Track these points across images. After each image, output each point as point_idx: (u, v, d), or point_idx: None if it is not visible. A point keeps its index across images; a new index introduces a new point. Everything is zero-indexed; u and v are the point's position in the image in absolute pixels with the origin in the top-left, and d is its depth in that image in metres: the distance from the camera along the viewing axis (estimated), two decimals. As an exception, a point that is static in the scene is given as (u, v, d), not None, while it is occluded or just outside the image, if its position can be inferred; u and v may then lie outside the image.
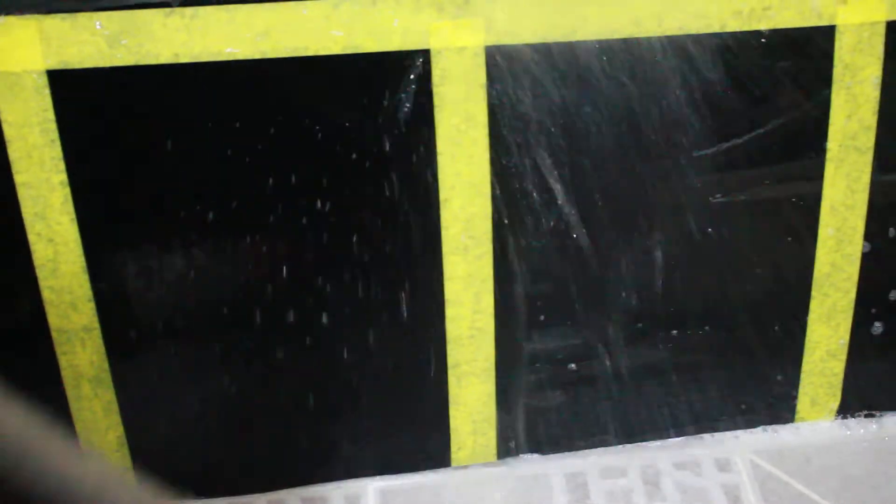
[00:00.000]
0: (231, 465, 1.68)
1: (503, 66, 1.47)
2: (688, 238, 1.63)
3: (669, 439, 1.77)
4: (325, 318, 1.60)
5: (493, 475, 1.72)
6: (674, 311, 1.69)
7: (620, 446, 1.76)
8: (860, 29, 1.52)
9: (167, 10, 1.37)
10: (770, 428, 1.79)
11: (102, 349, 1.55)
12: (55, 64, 1.37)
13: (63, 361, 1.54)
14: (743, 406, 1.77)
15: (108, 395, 1.58)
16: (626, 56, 1.50)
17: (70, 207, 1.45)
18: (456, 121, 1.49)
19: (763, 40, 1.51)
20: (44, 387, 1.55)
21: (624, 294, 1.66)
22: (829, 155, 1.60)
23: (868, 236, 1.66)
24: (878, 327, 1.74)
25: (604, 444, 1.76)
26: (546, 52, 1.48)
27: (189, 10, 1.38)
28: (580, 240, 1.60)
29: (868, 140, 1.59)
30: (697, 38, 1.50)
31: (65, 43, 1.36)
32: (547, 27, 1.46)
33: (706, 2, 1.48)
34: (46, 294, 1.50)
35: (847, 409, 1.80)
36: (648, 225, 1.62)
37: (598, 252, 1.62)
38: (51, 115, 1.40)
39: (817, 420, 1.80)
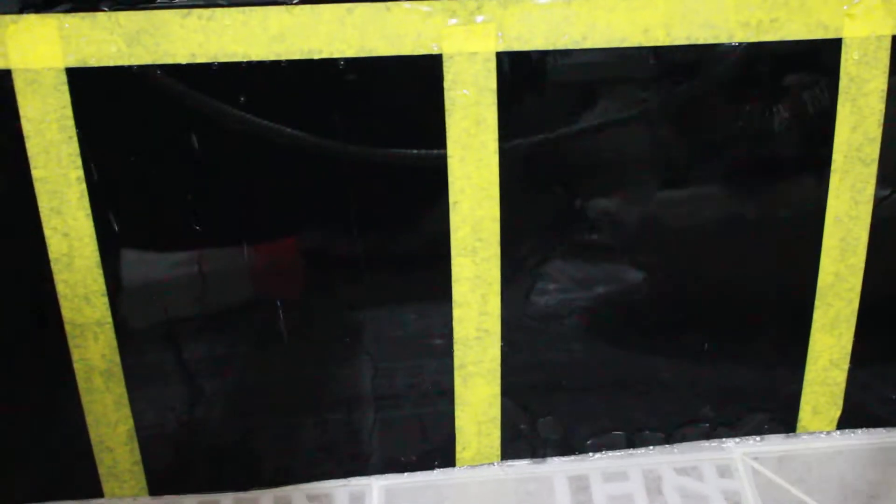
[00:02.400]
0: (238, 460, 1.70)
1: (514, 71, 1.49)
2: (695, 245, 1.65)
3: (671, 444, 1.78)
4: (334, 318, 1.62)
5: (498, 476, 1.74)
6: (678, 318, 1.71)
7: (623, 451, 1.77)
8: (866, 42, 1.53)
9: (185, 10, 1.40)
10: (772, 436, 1.80)
11: (114, 343, 1.57)
12: (74, 62, 1.40)
13: (75, 355, 1.57)
14: (745, 413, 1.78)
15: (119, 388, 1.60)
16: (632, 63, 1.52)
17: (86, 203, 1.48)
18: (466, 124, 1.51)
19: (771, 51, 1.53)
20: (56, 379, 1.58)
21: (631, 297, 1.69)
22: (833, 166, 1.61)
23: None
24: (880, 337, 1.75)
25: (607, 447, 1.77)
26: (556, 58, 1.50)
27: (206, 12, 1.40)
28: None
29: (873, 152, 1.60)
30: (705, 48, 1.52)
31: (84, 41, 1.39)
32: (557, 34, 1.48)
33: (714, 12, 1.50)
34: (61, 288, 1.52)
35: (849, 418, 1.81)
36: (655, 230, 1.64)
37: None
38: (69, 111, 1.42)
39: (819, 429, 1.81)
